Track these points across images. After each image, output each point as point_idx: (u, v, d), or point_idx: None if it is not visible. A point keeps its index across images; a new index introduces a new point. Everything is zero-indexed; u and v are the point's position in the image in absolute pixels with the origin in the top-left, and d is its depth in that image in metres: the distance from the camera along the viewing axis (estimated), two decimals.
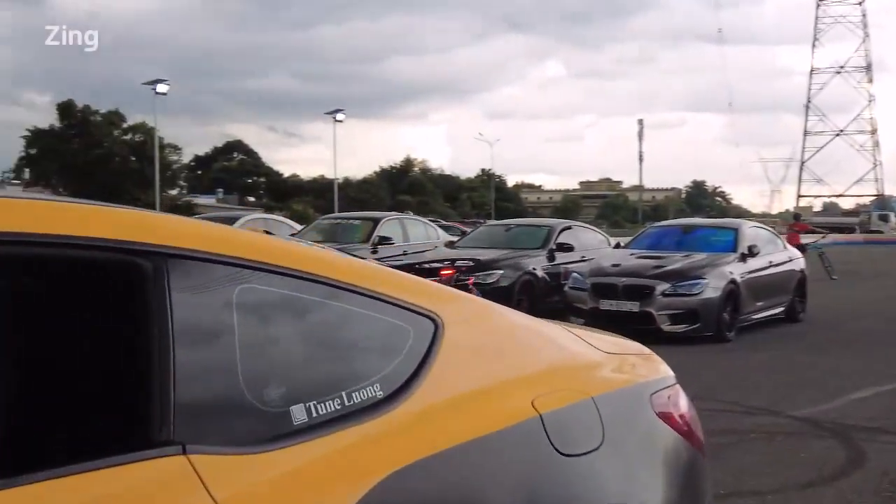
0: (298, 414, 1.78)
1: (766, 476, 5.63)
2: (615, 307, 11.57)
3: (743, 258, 12.41)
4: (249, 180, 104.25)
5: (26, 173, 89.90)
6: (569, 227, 15.34)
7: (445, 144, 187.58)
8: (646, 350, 2.91)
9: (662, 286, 11.47)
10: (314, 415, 1.80)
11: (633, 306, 11.46)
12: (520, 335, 2.44)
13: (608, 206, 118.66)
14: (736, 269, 12.09)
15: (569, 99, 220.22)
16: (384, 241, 15.80)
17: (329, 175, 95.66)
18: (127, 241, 1.66)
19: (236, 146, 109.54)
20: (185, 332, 1.67)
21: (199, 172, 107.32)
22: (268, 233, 10.56)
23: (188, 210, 54.72)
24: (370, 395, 1.91)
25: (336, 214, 23.53)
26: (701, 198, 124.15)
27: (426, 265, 9.25)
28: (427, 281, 2.44)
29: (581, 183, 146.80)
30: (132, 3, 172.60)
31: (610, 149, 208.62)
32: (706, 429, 6.50)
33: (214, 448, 1.63)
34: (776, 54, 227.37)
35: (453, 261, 9.15)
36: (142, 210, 1.91)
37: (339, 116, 54.61)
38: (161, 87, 43.97)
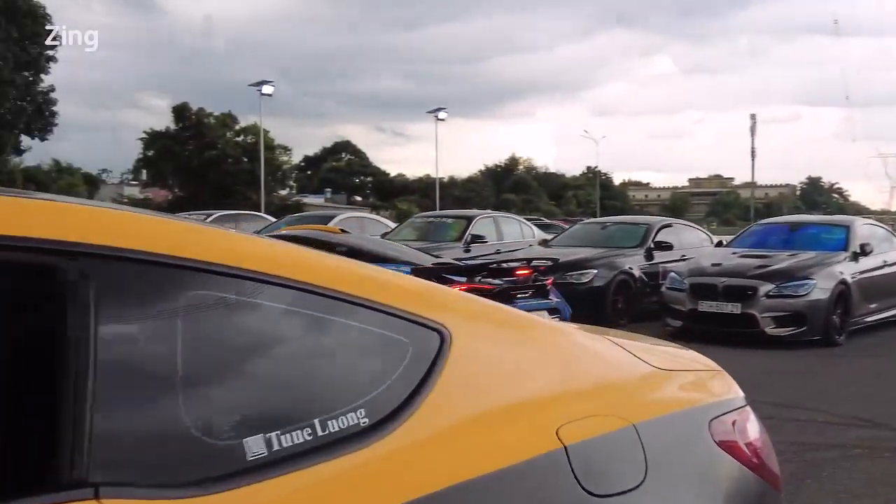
0: (255, 447, 1.48)
1: (868, 497, 5.12)
2: (715, 309, 11.02)
3: (855, 257, 11.68)
4: (357, 180, 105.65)
5: (144, 174, 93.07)
6: (668, 225, 14.77)
7: (551, 142, 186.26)
8: (712, 365, 2.51)
9: (766, 287, 10.85)
10: (275, 448, 1.50)
11: (734, 308, 10.88)
12: (549, 348, 2.08)
13: (719, 203, 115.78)
14: (847, 269, 11.37)
15: (678, 94, 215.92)
16: (477, 239, 15.51)
17: (435, 174, 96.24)
18: (38, 238, 1.38)
19: (344, 146, 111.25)
20: (111, 347, 1.40)
21: (309, 173, 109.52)
22: (343, 231, 10.38)
23: (297, 209, 55.55)
24: (352, 422, 1.60)
25: (429, 213, 23.34)
26: (816, 194, 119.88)
27: (503, 265, 8.85)
28: (438, 286, 2.11)
29: (690, 180, 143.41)
30: (247, 7, 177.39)
31: (720, 145, 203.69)
32: (805, 442, 6.04)
33: (138, 491, 1.35)
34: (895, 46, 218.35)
35: (529, 260, 8.72)
36: (65, 199, 1.64)
37: (442, 115, 54.60)
38: (266, 89, 44.76)
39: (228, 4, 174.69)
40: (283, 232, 11.11)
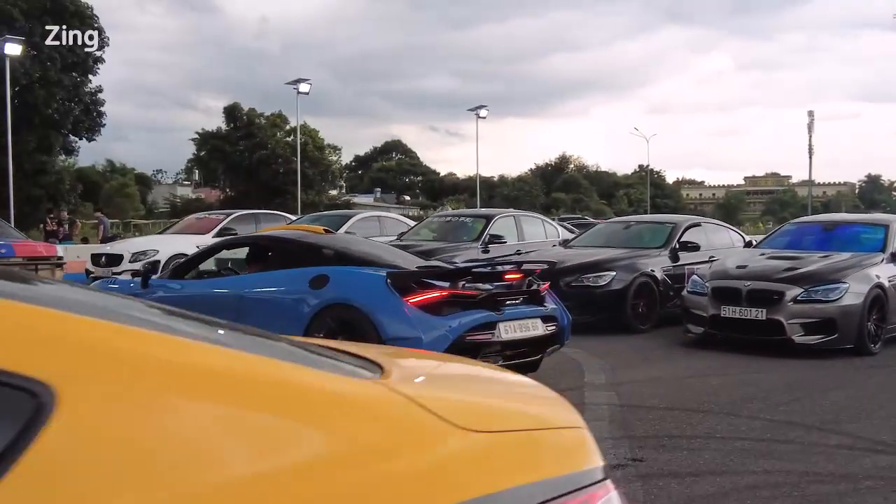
0: None
1: None
2: (738, 314, 10.19)
3: (893, 259, 10.73)
4: (407, 179, 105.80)
5: (196, 174, 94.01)
6: (696, 225, 13.87)
7: (604, 141, 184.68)
8: (567, 419, 1.78)
9: (794, 291, 10.01)
10: None
11: (758, 314, 10.05)
12: (236, 407, 1.36)
13: (775, 201, 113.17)
14: (883, 272, 10.44)
15: (734, 91, 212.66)
16: (495, 239, 14.83)
17: (486, 173, 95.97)
18: None
19: (395, 146, 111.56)
20: None
21: (360, 172, 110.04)
22: (328, 231, 9.75)
23: (346, 209, 55.40)
24: None
25: (447, 212, 22.71)
26: (876, 193, 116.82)
27: (494, 269, 8.16)
28: (59, 316, 1.39)
29: (746, 178, 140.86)
30: (302, 9, 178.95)
31: (777, 143, 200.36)
32: (810, 472, 5.26)
33: None
34: None
35: (520, 264, 8.04)
36: None
37: (483, 113, 53.83)
38: (303, 87, 44.53)
39: (283, 6, 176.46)
40: (267, 233, 10.55)
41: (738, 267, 10.79)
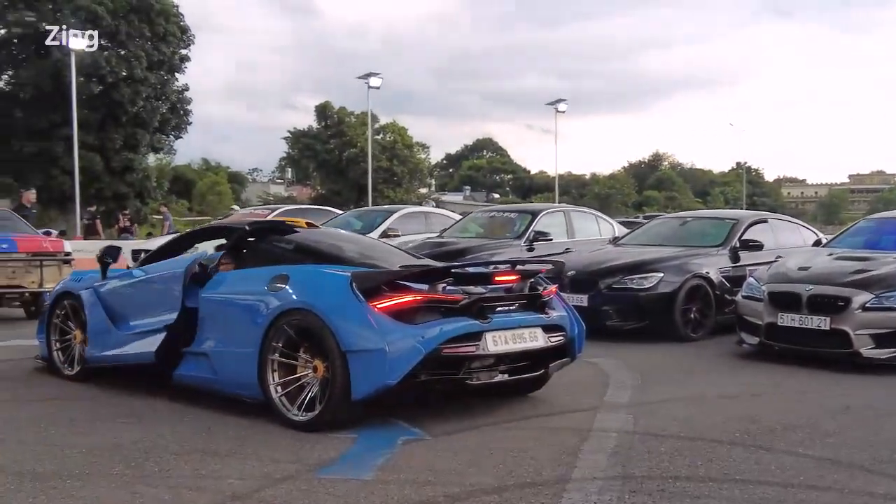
0: None
1: None
2: (798, 323, 8.84)
3: None
4: (497, 177, 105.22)
5: (289, 173, 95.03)
6: (762, 221, 12.32)
7: (700, 138, 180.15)
8: None
9: (863, 297, 8.60)
10: None
11: (821, 322, 8.68)
12: None
13: (880, 200, 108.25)
14: None
15: (837, 86, 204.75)
16: (541, 236, 13.63)
17: (577, 171, 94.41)
18: None
19: (486, 144, 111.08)
20: None
21: (451, 170, 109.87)
22: (311, 225, 8.62)
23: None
24: None
25: (493, 206, 21.59)
26: None
27: (482, 270, 7.02)
28: None
29: (850, 176, 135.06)
30: (398, 11, 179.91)
31: (885, 139, 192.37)
32: None
33: None
34: None
35: (514, 264, 6.87)
36: None
37: (561, 107, 52.55)
38: (374, 81, 44.10)
39: (380, 6, 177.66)
40: (234, 222, 9.63)
41: (801, 268, 9.42)
